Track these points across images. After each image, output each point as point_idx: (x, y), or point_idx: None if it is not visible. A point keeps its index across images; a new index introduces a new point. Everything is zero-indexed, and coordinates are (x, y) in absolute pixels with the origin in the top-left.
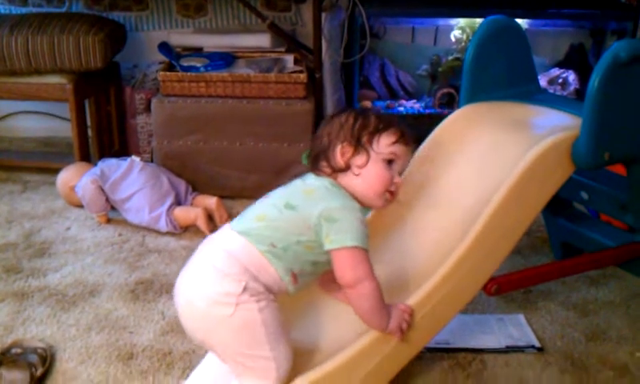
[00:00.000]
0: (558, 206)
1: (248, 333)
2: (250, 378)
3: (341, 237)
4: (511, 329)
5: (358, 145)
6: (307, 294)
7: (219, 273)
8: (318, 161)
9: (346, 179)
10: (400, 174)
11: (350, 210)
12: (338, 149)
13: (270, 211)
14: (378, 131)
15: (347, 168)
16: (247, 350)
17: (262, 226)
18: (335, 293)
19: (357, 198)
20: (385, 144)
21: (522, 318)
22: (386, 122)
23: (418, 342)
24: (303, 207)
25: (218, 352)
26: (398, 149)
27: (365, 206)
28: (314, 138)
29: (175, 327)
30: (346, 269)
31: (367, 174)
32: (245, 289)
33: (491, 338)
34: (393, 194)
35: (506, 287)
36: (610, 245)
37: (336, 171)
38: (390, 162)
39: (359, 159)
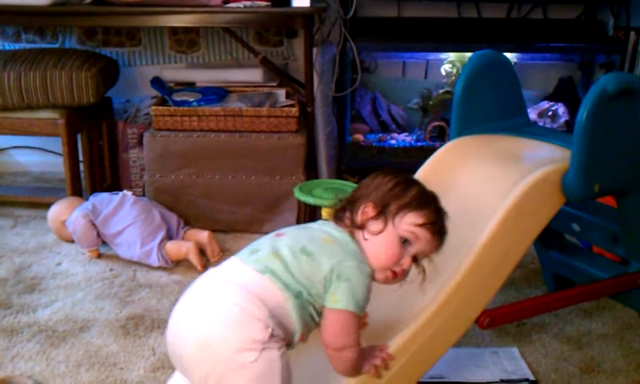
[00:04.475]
0: (550, 238)
1: (265, 380)
2: None
3: (347, 299)
4: (505, 362)
5: (382, 211)
6: None
7: (247, 316)
8: (343, 210)
9: (358, 238)
10: (416, 260)
11: (362, 273)
12: (363, 206)
13: (285, 252)
14: (408, 206)
15: (362, 228)
16: None
17: (280, 267)
18: None
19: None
20: (408, 221)
21: (516, 351)
22: (424, 201)
23: (411, 376)
24: (319, 255)
25: None
26: (421, 232)
27: None
28: (355, 188)
29: (166, 363)
30: (337, 332)
31: (376, 242)
32: (271, 335)
33: (485, 371)
34: (396, 274)
35: (499, 320)
36: (603, 276)
37: (353, 226)
38: (406, 241)
39: (375, 225)
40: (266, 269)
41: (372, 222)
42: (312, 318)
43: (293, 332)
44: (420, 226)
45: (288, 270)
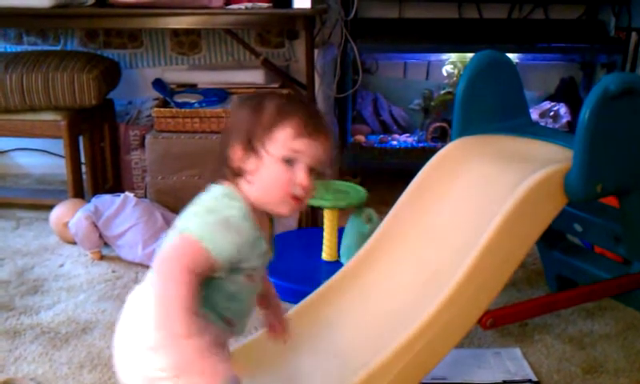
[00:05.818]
0: (552, 239)
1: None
2: None
3: (184, 224)
4: (508, 363)
5: (250, 145)
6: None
7: (148, 347)
8: (220, 164)
9: (244, 186)
10: (312, 172)
11: (220, 211)
12: (231, 150)
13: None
14: (272, 124)
15: (241, 174)
16: None
17: None
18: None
19: (257, 207)
20: (281, 140)
21: (518, 351)
22: (285, 111)
23: (414, 378)
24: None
25: None
26: (300, 144)
27: (274, 215)
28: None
29: None
30: (166, 248)
31: (260, 179)
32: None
33: (488, 372)
34: (298, 198)
35: (501, 320)
36: (605, 277)
37: (235, 177)
38: (290, 161)
39: (250, 163)
40: None
41: (247, 162)
42: (232, 297)
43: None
44: (294, 137)
45: None
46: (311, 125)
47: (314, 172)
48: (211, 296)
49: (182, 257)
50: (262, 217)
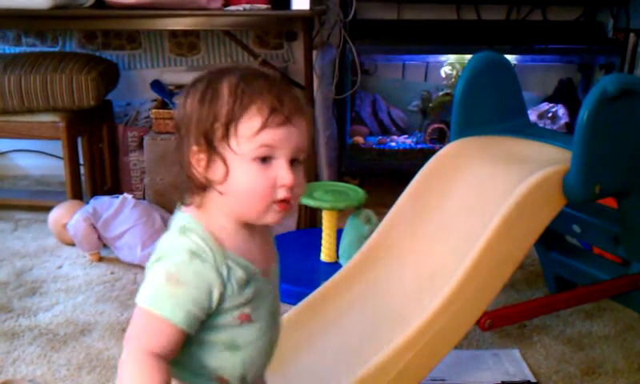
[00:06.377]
0: (551, 240)
1: None
2: None
3: (140, 293)
4: (507, 364)
5: (210, 145)
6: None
7: None
8: (187, 184)
9: (215, 200)
10: (294, 162)
11: (166, 259)
12: (191, 156)
13: None
14: (232, 116)
15: (208, 185)
16: None
17: None
18: None
19: (239, 221)
20: (248, 135)
21: (517, 353)
22: (245, 95)
23: (413, 379)
24: None
25: None
26: (272, 135)
27: (259, 224)
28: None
29: None
30: (130, 328)
31: (232, 188)
32: None
33: (487, 373)
34: (285, 201)
35: (500, 322)
36: (604, 278)
37: (202, 191)
38: (264, 158)
39: (215, 171)
40: None
41: (211, 170)
42: (231, 345)
43: None
44: (262, 128)
45: None
46: (281, 107)
47: (297, 161)
48: (194, 357)
49: (142, 337)
50: (250, 230)
